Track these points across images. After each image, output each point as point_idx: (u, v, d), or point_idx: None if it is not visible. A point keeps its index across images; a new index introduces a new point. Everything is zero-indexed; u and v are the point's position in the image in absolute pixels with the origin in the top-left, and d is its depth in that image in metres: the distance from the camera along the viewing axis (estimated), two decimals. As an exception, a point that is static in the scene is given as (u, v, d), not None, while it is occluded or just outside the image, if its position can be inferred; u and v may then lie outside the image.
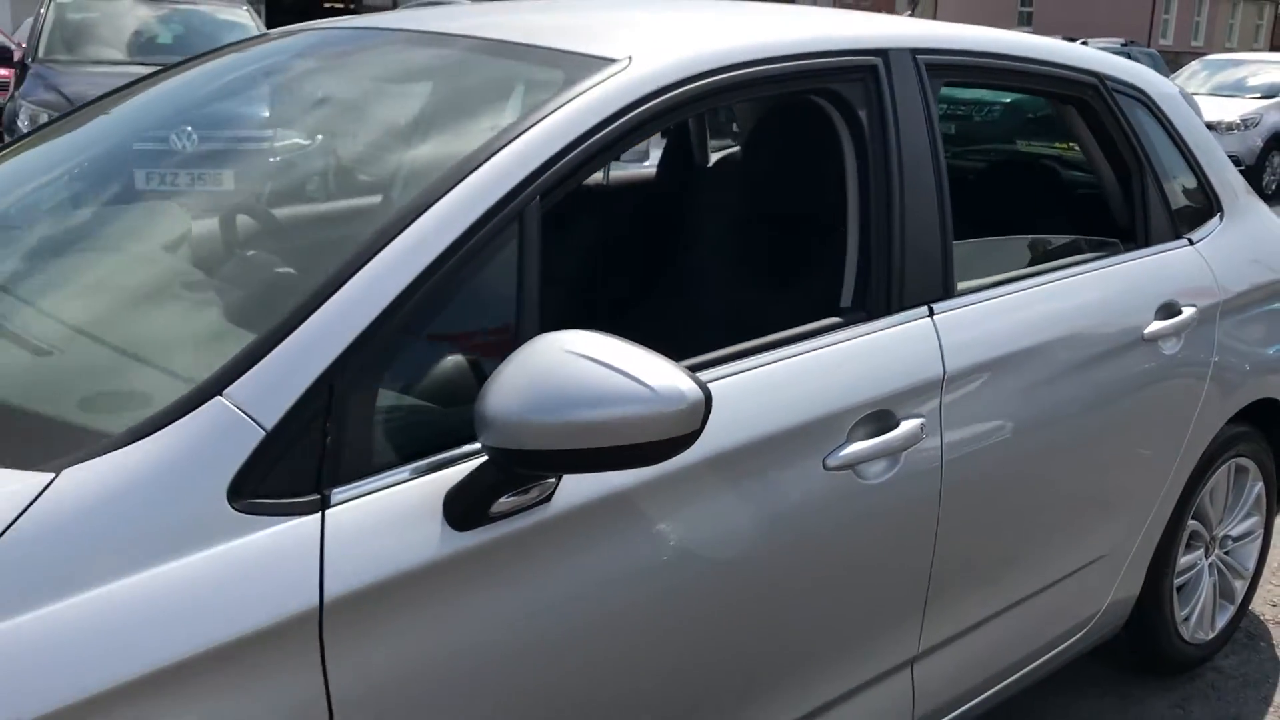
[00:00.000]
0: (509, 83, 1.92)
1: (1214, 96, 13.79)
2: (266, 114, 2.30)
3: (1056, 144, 3.86)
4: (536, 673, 1.56)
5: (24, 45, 8.34)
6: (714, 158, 3.31)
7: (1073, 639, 2.62)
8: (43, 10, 8.15)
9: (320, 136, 2.28)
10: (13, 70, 9.75)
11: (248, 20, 8.87)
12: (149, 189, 2.20)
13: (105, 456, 1.32)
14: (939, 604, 2.17)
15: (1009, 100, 5.31)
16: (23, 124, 7.11)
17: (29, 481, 1.29)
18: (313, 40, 2.44)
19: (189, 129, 2.31)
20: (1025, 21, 41.49)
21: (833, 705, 2.03)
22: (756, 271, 2.38)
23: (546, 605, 1.56)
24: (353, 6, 30.11)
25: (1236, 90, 14.27)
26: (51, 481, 1.29)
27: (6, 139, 7.34)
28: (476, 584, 1.49)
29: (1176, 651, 2.99)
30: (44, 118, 7.14)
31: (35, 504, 1.26)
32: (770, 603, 1.86)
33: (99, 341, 1.67)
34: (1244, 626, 3.31)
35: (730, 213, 2.61)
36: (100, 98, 2.56)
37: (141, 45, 8.40)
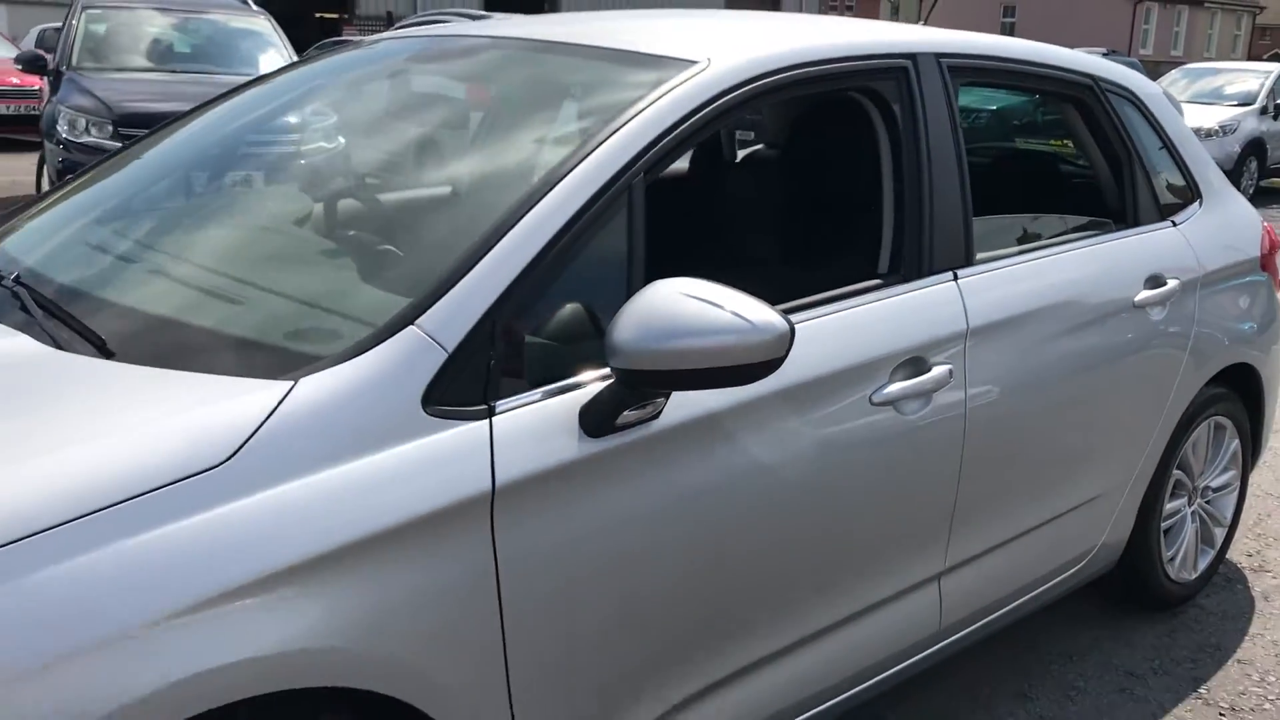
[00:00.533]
0: (610, 81, 2.27)
1: (1193, 104, 14.26)
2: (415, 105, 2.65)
3: (1050, 141, 4.25)
4: (649, 547, 1.92)
5: (52, 54, 8.65)
6: (740, 154, 3.70)
7: (1074, 569, 2.99)
8: (74, 22, 8.47)
9: (453, 126, 2.63)
10: (41, 78, 10.11)
11: (267, 28, 9.22)
12: (331, 179, 2.56)
13: (329, 370, 1.68)
14: (962, 526, 2.54)
15: (995, 108, 5.71)
16: (62, 128, 7.44)
17: (275, 387, 1.64)
18: (421, 46, 2.80)
19: (340, 117, 2.65)
20: (1008, 32, 42.06)
21: (879, 606, 2.40)
22: (806, 243, 2.74)
23: (656, 497, 1.92)
24: (345, 17, 30.48)
25: (1215, 98, 14.75)
26: (292, 388, 1.64)
27: (47, 144, 7.66)
28: (605, 479, 1.85)
29: (1163, 589, 3.36)
30: (82, 121, 7.49)
31: (284, 401, 1.62)
32: (829, 514, 2.23)
33: (302, 288, 2.03)
34: (1223, 571, 3.69)
35: (777, 196, 2.98)
36: (215, 100, 2.91)
37: (163, 54, 8.74)
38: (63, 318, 1.91)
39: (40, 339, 1.85)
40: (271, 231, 2.39)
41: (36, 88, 10.27)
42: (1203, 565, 3.50)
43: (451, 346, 1.74)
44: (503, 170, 2.28)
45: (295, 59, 9.05)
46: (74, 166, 7.37)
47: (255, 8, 9.52)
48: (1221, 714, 2.93)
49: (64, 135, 7.45)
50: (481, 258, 1.82)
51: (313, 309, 1.98)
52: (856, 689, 2.44)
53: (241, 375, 1.69)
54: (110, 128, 7.39)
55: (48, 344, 1.84)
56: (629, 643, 1.94)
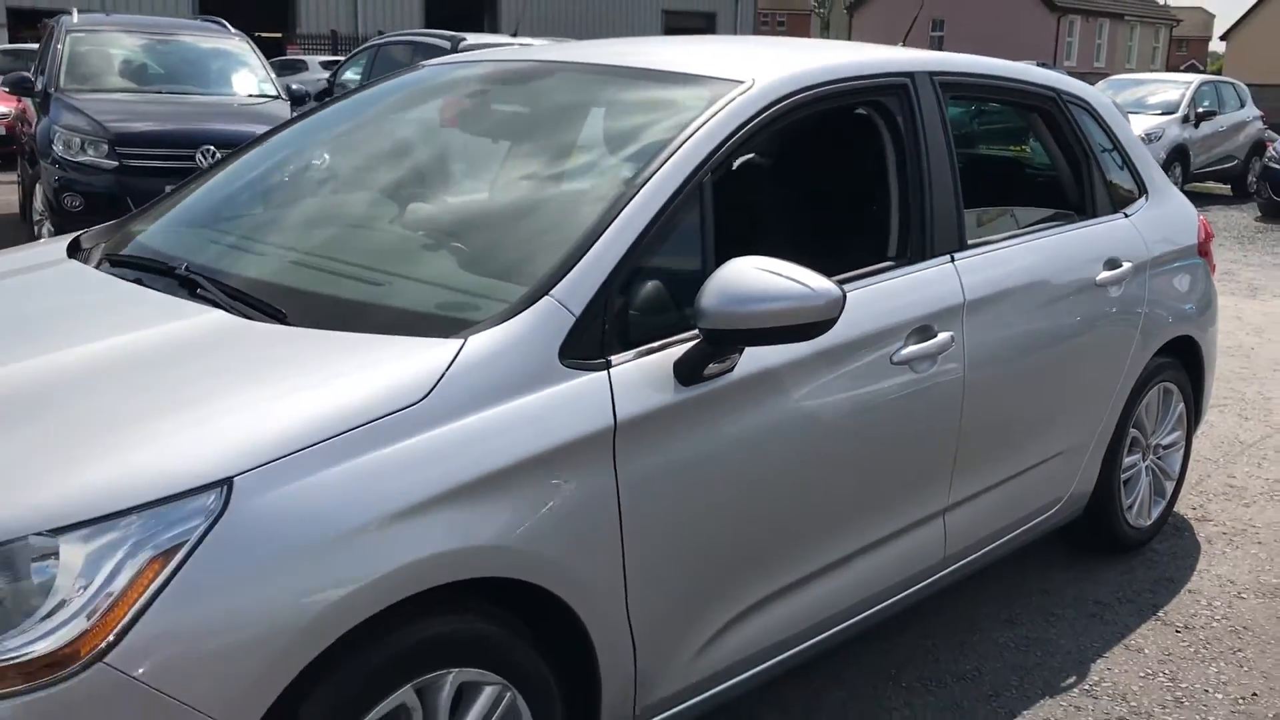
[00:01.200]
0: (673, 99, 2.71)
1: (1120, 113, 15.03)
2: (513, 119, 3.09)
3: (1011, 148, 4.77)
4: (725, 474, 2.35)
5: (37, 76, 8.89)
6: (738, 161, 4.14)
7: (1051, 512, 3.48)
8: (59, 46, 8.72)
9: (535, 140, 3.03)
10: (17, 100, 10.34)
11: (244, 49, 9.53)
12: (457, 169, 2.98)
13: (489, 330, 2.10)
14: (961, 469, 3.01)
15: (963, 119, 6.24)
16: (58, 148, 7.72)
17: (450, 344, 2.06)
18: (493, 69, 3.23)
19: (437, 132, 3.07)
20: (936, 45, 43.20)
21: (898, 535, 2.86)
22: (827, 230, 3.20)
23: (730, 435, 2.36)
24: (287, 36, 30.61)
25: (1139, 108, 15.54)
26: (463, 345, 2.06)
27: (42, 163, 7.92)
28: (693, 420, 2.29)
29: (1124, 533, 3.87)
30: (77, 141, 7.77)
31: (460, 354, 2.04)
32: (861, 452, 2.68)
33: (437, 272, 2.47)
34: (1172, 521, 4.21)
35: (802, 193, 3.42)
36: (302, 116, 3.31)
37: (145, 75, 9.02)
38: (242, 298, 2.31)
39: (234, 314, 2.25)
40: (388, 225, 2.81)
41: (11, 110, 10.47)
42: (1156, 513, 4.02)
43: (578, 311, 2.17)
44: (592, 175, 2.70)
45: (273, 78, 9.40)
46: (70, 185, 7.68)
47: (232, 30, 9.84)
48: (1178, 631, 3.43)
49: (60, 155, 7.72)
50: (594, 243, 2.25)
51: (452, 289, 2.40)
52: (879, 606, 2.90)
53: (419, 336, 2.11)
54: (106, 147, 7.69)
55: (240, 317, 2.24)
56: (711, 550, 2.38)
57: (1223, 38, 52.42)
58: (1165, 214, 3.91)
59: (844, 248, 2.94)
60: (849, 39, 50.75)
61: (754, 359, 2.40)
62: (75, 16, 9.18)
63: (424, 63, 3.48)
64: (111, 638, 1.63)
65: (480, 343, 2.08)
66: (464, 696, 2.04)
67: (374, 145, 3.20)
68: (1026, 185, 3.96)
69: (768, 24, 70.65)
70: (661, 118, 2.65)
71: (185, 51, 9.27)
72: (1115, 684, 3.12)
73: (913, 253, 2.92)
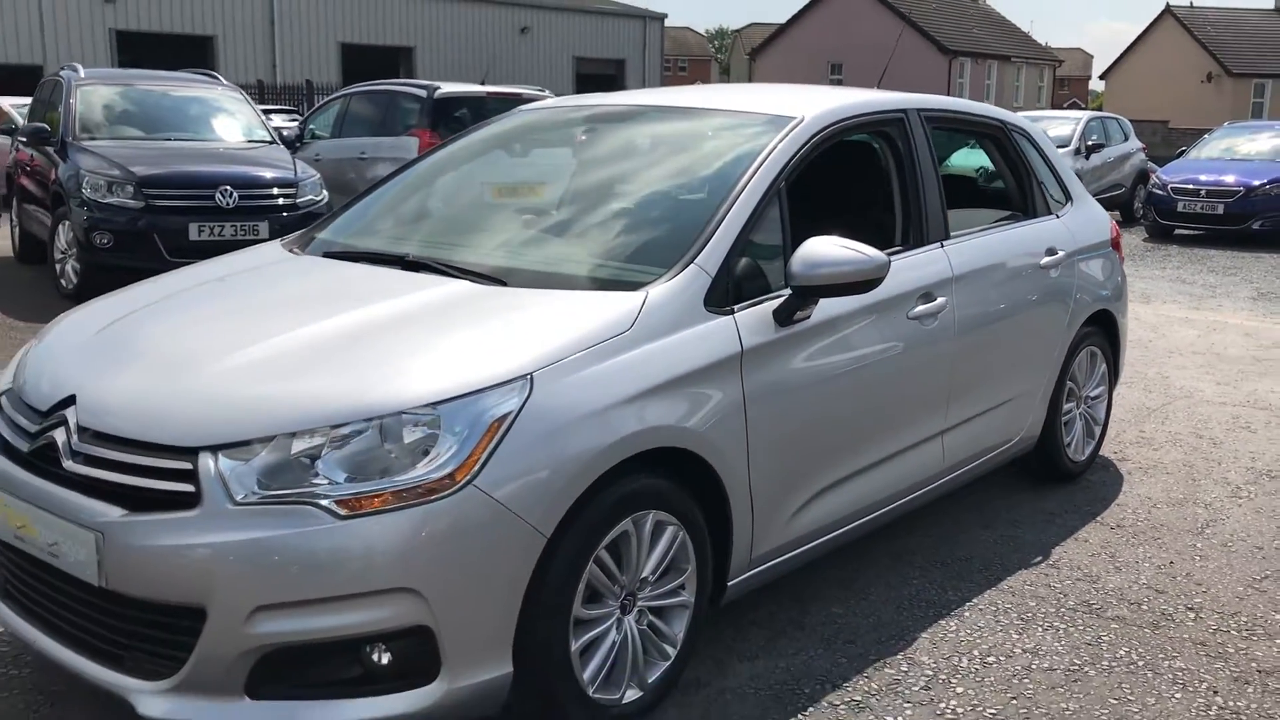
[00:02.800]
0: (748, 129, 3.71)
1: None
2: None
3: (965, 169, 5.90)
4: (807, 389, 3.33)
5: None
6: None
7: (1012, 443, 4.53)
8: (71, 100, 9.44)
9: (661, 158, 3.97)
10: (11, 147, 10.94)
11: (238, 99, 10.37)
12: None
13: (659, 285, 3.06)
14: (953, 401, 4.04)
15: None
16: (86, 191, 8.46)
17: (638, 294, 3.02)
18: (607, 110, 4.24)
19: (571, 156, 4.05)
20: (836, 84, 45.04)
21: (914, 447, 3.88)
22: (854, 224, 4.21)
23: (810, 362, 3.34)
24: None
25: (1036, 142, 17.03)
26: (647, 295, 3.02)
27: (70, 205, 8.63)
28: (788, 351, 3.27)
29: (1066, 465, 4.94)
30: (102, 183, 8.51)
31: (646, 300, 3.00)
32: (891, 381, 3.69)
33: (603, 249, 3.45)
34: (1100, 460, 5.30)
35: (834, 196, 4.41)
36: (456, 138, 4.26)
37: (146, 123, 9.78)
38: (467, 273, 3.24)
39: (471, 281, 3.18)
40: (553, 219, 3.79)
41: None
42: (1088, 451, 5.11)
43: (713, 274, 3.15)
44: (702, 184, 3.66)
45: (267, 125, 10.22)
46: (100, 224, 8.42)
47: (224, 82, 10.65)
48: (1112, 529, 4.49)
49: (88, 196, 8.46)
50: (718, 228, 3.23)
51: (619, 261, 3.34)
52: (901, 501, 3.90)
53: (614, 290, 3.06)
54: (132, 188, 8.46)
55: (475, 283, 3.17)
56: (797, 442, 3.34)
57: (1102, 77, 55.42)
58: (1086, 216, 5.03)
59: (866, 236, 3.96)
60: (750, 82, 52.88)
61: (822, 310, 3.40)
62: (81, 72, 9.91)
63: (524, 107, 4.46)
64: (474, 470, 2.55)
65: (656, 293, 3.05)
66: (655, 531, 2.98)
67: (520, 166, 4.15)
68: (984, 193, 5.06)
69: (669, 69, 72.56)
70: (743, 142, 3.66)
71: (185, 102, 10.07)
72: (1071, 561, 4.16)
73: (914, 239, 3.95)
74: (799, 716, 3.06)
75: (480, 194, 4.07)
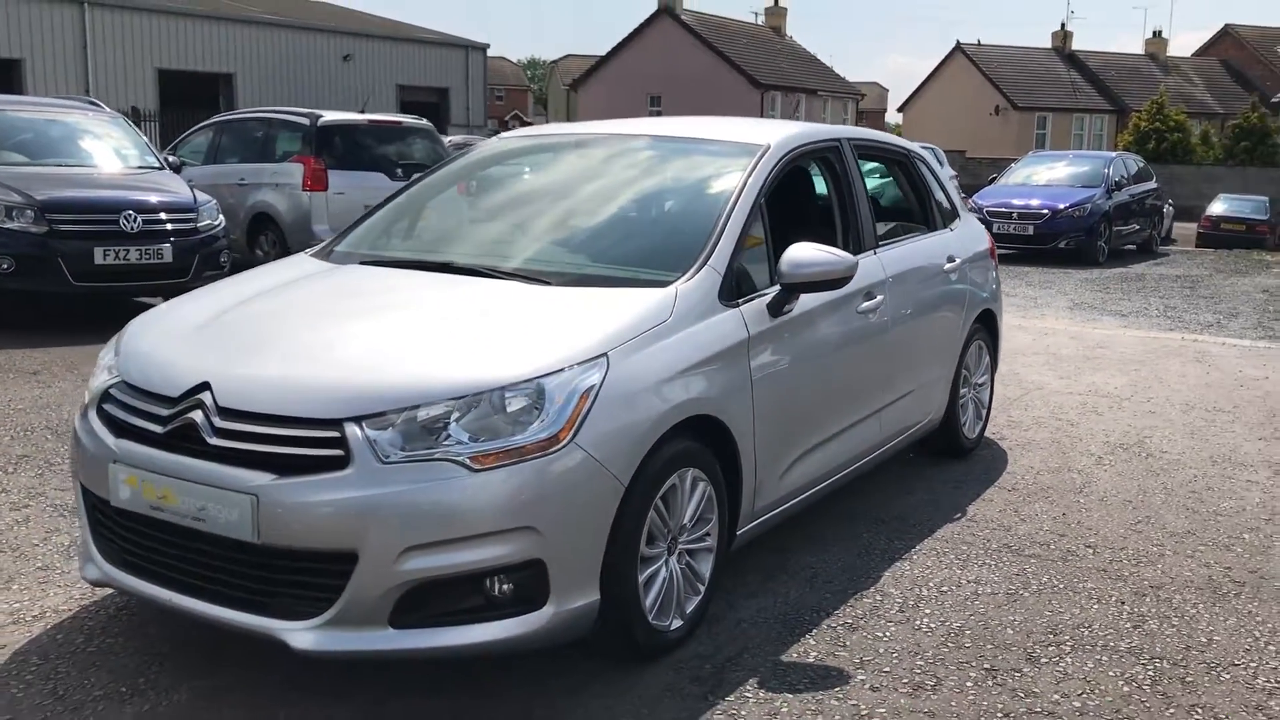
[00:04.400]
0: (727, 154, 4.37)
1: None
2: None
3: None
4: (792, 369, 4.00)
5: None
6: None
7: (926, 420, 5.32)
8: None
9: (656, 179, 4.58)
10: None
11: (121, 124, 10.44)
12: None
13: (683, 283, 3.68)
14: (888, 383, 4.79)
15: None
16: (-14, 213, 8.49)
17: (669, 289, 3.64)
18: (581, 139, 4.83)
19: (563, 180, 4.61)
20: (656, 115, 46.38)
21: (860, 422, 4.60)
22: (807, 233, 4.90)
23: (792, 346, 4.02)
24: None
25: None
26: (677, 290, 3.64)
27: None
28: (778, 336, 3.94)
29: (962, 442, 5.78)
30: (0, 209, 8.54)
31: (678, 294, 3.62)
32: (847, 364, 4.41)
33: (625, 254, 4.04)
34: (985, 439, 6.17)
35: (791, 210, 5.09)
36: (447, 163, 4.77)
37: (32, 149, 9.77)
38: (512, 275, 3.79)
39: (519, 281, 3.73)
40: (577, 231, 4.34)
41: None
42: (978, 430, 5.97)
43: (722, 273, 3.79)
44: (698, 201, 4.29)
45: (154, 150, 10.35)
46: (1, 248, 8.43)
47: (108, 110, 10.71)
48: (1009, 491, 5.33)
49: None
50: (722, 235, 3.88)
51: (638, 264, 3.94)
52: (853, 467, 4.62)
53: (647, 287, 3.66)
54: (33, 213, 8.52)
55: (523, 283, 3.71)
56: (787, 411, 4.00)
57: (900, 109, 58.78)
58: (971, 229, 5.91)
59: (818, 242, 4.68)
60: (572, 115, 53.79)
61: (801, 305, 4.08)
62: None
63: (508, 134, 5.02)
64: (573, 431, 3.11)
65: (684, 289, 3.67)
66: (692, 486, 3.58)
67: (528, 185, 4.70)
68: (887, 210, 5.88)
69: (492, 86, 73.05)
70: (726, 164, 4.33)
71: (70, 128, 10.10)
72: (984, 516, 4.96)
73: (854, 247, 4.69)
74: (806, 637, 3.71)
75: (501, 208, 4.63)
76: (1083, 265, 16.79)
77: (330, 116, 11.37)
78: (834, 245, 4.63)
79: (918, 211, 5.60)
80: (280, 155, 11.50)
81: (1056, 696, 3.35)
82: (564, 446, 3.09)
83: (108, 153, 10.03)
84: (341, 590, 3.00)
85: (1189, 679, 3.50)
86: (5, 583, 3.98)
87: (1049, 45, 56.30)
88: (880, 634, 3.74)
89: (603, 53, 51.02)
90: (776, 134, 4.52)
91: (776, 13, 51.98)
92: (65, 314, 9.45)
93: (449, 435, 3.04)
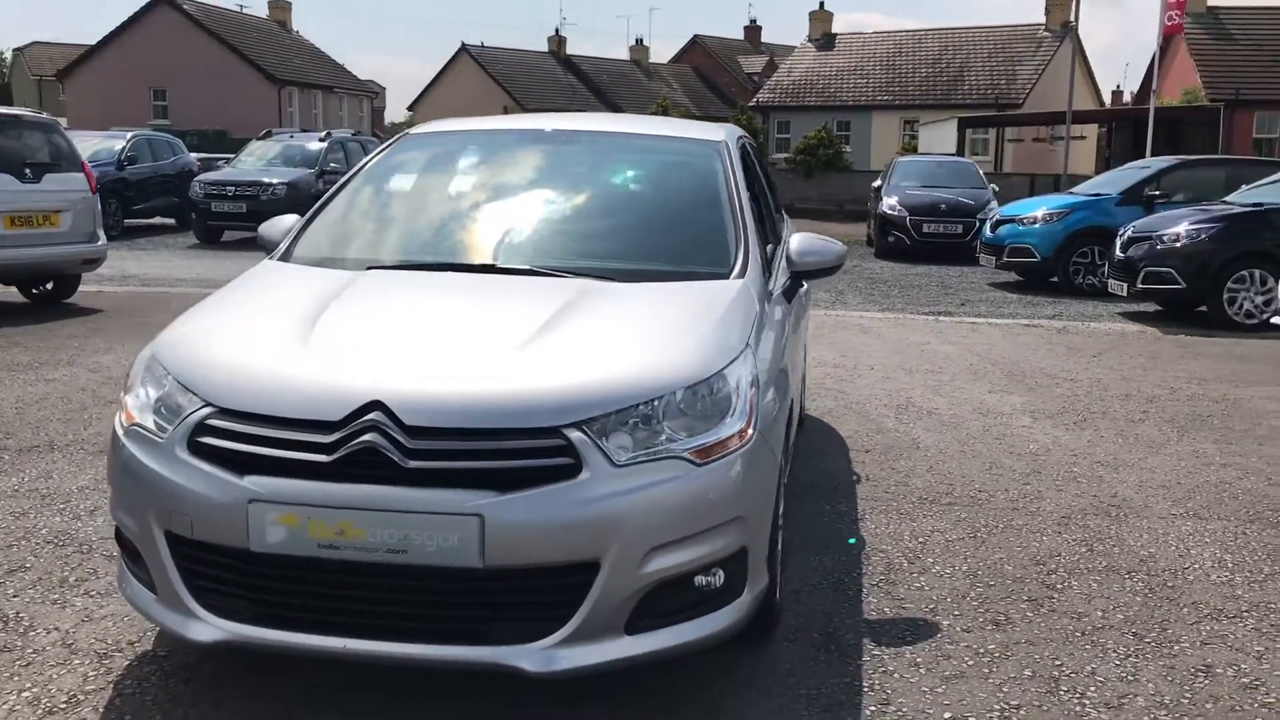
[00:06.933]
0: (698, 152, 4.50)
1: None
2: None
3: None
4: (784, 329, 4.29)
5: None
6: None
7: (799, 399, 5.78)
8: None
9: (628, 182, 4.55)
10: None
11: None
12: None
13: (745, 274, 3.82)
14: (801, 356, 5.18)
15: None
16: None
17: (740, 281, 3.77)
18: (542, 135, 4.76)
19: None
20: (160, 112, 43.40)
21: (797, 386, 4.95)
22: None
23: (788, 313, 4.30)
24: None
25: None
26: (733, 280, 3.78)
27: None
28: (777, 311, 4.17)
29: (801, 415, 6.29)
30: None
31: (738, 284, 3.75)
32: (792, 336, 4.73)
33: (666, 250, 4.08)
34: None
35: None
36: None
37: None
38: (581, 273, 3.72)
39: (593, 279, 3.67)
40: (609, 228, 4.28)
41: None
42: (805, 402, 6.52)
43: (760, 262, 3.97)
44: (695, 190, 4.38)
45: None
46: None
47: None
48: (864, 452, 5.91)
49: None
50: (747, 228, 4.06)
51: (684, 260, 3.99)
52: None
53: (709, 280, 3.76)
54: None
55: (596, 280, 3.67)
56: (778, 344, 4.18)
57: (410, 109, 59.15)
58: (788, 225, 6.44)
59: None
60: (52, 108, 48.43)
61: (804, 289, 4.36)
62: None
63: (425, 128, 4.79)
64: (753, 420, 3.19)
65: (749, 279, 3.81)
66: (781, 465, 3.76)
67: (514, 183, 4.51)
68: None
69: None
70: (706, 160, 4.47)
71: None
72: (875, 475, 5.49)
73: (773, 236, 5.02)
74: (860, 597, 4.01)
75: (499, 207, 4.41)
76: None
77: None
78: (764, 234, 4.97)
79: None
80: None
81: (1099, 614, 3.91)
82: (752, 435, 3.17)
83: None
84: (578, 603, 2.88)
85: (1170, 582, 4.20)
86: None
87: (546, 49, 59.16)
88: (919, 585, 4.13)
89: (85, 41, 46.65)
90: (717, 131, 4.76)
91: (281, 6, 50.20)
92: None
93: (663, 432, 3.01)
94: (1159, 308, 12.16)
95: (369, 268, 3.88)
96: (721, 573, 3.10)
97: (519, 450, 2.88)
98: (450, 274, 3.82)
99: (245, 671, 3.32)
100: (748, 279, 3.82)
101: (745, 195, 4.25)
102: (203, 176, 18.89)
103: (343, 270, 3.86)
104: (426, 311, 3.55)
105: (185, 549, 3.01)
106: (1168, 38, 26.00)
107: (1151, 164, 15.62)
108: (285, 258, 4.08)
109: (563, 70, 57.93)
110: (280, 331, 3.32)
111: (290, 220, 4.45)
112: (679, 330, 3.38)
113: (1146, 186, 13.99)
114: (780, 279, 4.20)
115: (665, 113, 41.87)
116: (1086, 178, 20.99)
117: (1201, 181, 14.25)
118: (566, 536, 2.85)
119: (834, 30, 46.80)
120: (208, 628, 2.98)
